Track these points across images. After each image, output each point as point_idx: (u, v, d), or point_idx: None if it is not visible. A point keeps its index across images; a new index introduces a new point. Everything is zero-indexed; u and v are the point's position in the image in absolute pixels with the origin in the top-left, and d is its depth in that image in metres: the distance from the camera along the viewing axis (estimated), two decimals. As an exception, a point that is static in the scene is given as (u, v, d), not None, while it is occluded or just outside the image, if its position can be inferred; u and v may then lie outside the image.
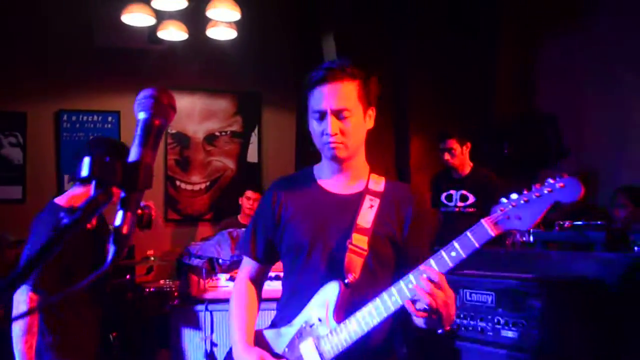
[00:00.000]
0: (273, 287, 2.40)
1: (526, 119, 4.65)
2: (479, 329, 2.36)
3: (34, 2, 4.73)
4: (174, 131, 5.14)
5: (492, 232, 1.33)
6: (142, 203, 2.17)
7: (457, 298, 2.49)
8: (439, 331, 1.40)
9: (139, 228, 2.26)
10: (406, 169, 4.45)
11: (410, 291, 1.37)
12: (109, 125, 5.00)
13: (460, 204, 3.88)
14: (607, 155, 4.20)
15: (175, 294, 3.47)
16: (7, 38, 4.71)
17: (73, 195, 2.22)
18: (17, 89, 4.79)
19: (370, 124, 1.62)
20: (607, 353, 2.16)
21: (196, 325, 3.03)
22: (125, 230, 0.85)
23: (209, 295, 3.11)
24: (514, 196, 1.32)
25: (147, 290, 3.56)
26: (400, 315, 1.45)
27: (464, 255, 1.34)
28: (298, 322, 1.56)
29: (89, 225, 1.22)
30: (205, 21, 4.04)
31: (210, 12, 3.81)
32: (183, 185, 5.20)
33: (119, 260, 0.88)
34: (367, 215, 1.54)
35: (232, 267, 3.10)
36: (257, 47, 4.99)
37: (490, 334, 2.34)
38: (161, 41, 4.31)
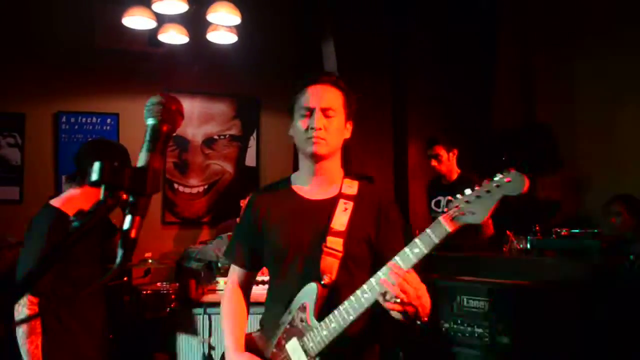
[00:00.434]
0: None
1: (524, 129, 4.71)
2: (476, 334, 2.38)
3: (35, 3, 4.74)
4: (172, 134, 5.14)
5: (449, 228, 1.41)
6: None
7: (453, 303, 2.51)
8: (418, 322, 1.47)
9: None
10: (404, 176, 4.47)
11: (381, 287, 1.45)
12: (108, 127, 5.01)
13: (447, 209, 3.91)
14: (602, 164, 4.25)
15: (173, 296, 3.47)
16: (6, 38, 4.71)
17: (69, 197, 2.19)
18: (16, 89, 4.79)
19: (347, 134, 1.73)
20: (600, 358, 2.18)
21: (194, 328, 3.04)
22: (133, 234, 0.87)
23: (207, 298, 3.12)
24: (467, 193, 1.40)
25: (144, 292, 3.56)
26: (388, 316, 1.52)
27: (425, 251, 1.42)
28: (282, 323, 1.64)
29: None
30: (205, 25, 4.05)
31: (210, 16, 3.82)
32: (181, 188, 5.21)
33: (127, 264, 0.89)
34: (341, 218, 1.63)
35: (230, 270, 3.11)
36: (257, 52, 5.01)
37: (487, 339, 2.36)
38: (161, 44, 4.32)
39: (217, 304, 3.05)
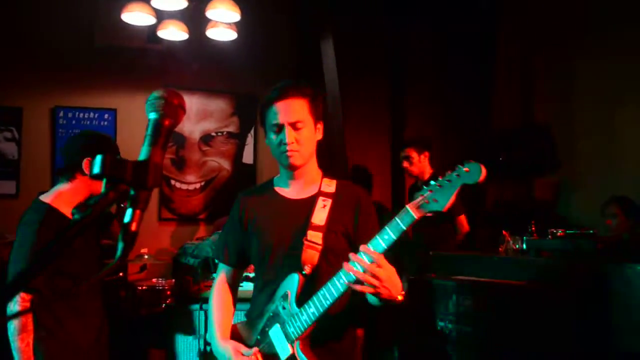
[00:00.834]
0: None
1: (523, 129, 4.72)
2: (472, 333, 2.38)
3: (34, -2, 4.72)
4: (170, 130, 5.13)
5: (415, 215, 1.51)
6: None
7: (450, 303, 2.52)
8: (393, 303, 1.56)
9: None
10: (401, 176, 4.49)
11: (354, 273, 1.53)
12: (105, 123, 5.00)
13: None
14: (601, 164, 4.26)
15: (168, 292, 3.47)
16: (4, 33, 4.69)
17: (59, 192, 2.15)
18: (14, 83, 4.77)
19: (319, 135, 1.83)
20: (596, 357, 2.20)
21: (190, 324, 3.04)
22: (134, 227, 0.88)
23: (203, 294, 3.12)
24: (431, 183, 1.52)
25: (140, 288, 3.56)
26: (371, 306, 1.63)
27: (394, 237, 1.52)
28: (266, 312, 1.75)
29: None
30: (205, 21, 4.05)
31: (210, 13, 3.81)
32: (178, 185, 5.20)
33: (127, 257, 0.89)
34: (320, 214, 1.75)
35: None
36: (256, 49, 5.00)
37: (482, 338, 2.37)
38: (161, 40, 4.31)
39: (213, 301, 3.08)
